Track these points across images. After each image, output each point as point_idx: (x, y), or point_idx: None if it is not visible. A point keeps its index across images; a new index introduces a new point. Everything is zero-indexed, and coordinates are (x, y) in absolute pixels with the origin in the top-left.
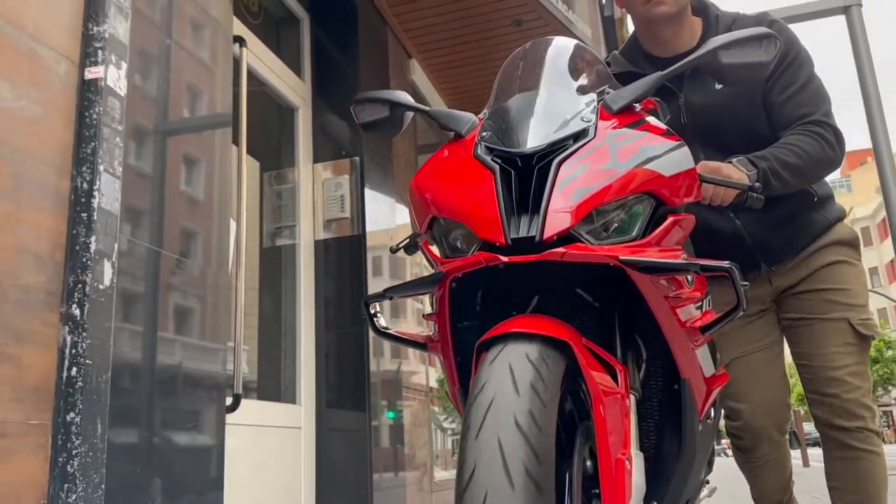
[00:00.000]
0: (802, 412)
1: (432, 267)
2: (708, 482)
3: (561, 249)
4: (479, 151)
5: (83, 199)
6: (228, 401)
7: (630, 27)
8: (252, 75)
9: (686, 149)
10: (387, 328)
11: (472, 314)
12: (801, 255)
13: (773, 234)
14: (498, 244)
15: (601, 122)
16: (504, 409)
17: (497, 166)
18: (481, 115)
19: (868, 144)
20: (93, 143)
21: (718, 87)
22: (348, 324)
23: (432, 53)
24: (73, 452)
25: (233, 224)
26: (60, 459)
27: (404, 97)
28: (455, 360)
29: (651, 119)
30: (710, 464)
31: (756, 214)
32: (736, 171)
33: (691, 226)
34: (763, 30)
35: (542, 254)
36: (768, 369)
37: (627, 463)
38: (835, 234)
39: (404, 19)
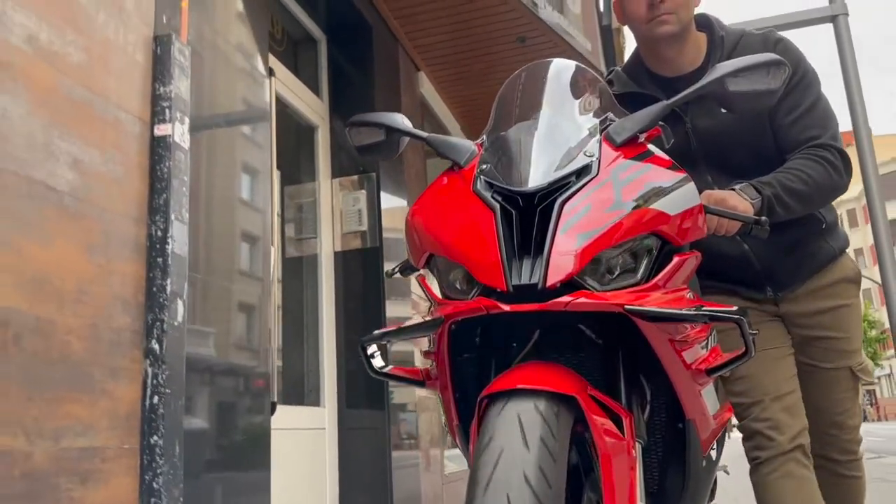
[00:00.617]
0: None
1: (430, 303)
2: None
3: (565, 299)
4: (478, 186)
5: (158, 246)
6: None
7: (627, 37)
8: (276, 98)
9: (692, 184)
10: (383, 368)
11: (472, 346)
12: (806, 283)
13: (780, 259)
14: (499, 290)
15: (605, 155)
16: (513, 465)
17: (498, 205)
18: (480, 141)
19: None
20: (164, 195)
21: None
22: (367, 330)
23: (439, 67)
24: (158, 471)
25: (272, 250)
26: (147, 478)
27: (400, 121)
28: (454, 397)
29: (656, 150)
30: (713, 492)
31: (765, 240)
32: (741, 201)
33: (697, 263)
34: (771, 56)
35: (546, 303)
36: (780, 367)
37: None
38: (841, 271)
39: (413, 36)
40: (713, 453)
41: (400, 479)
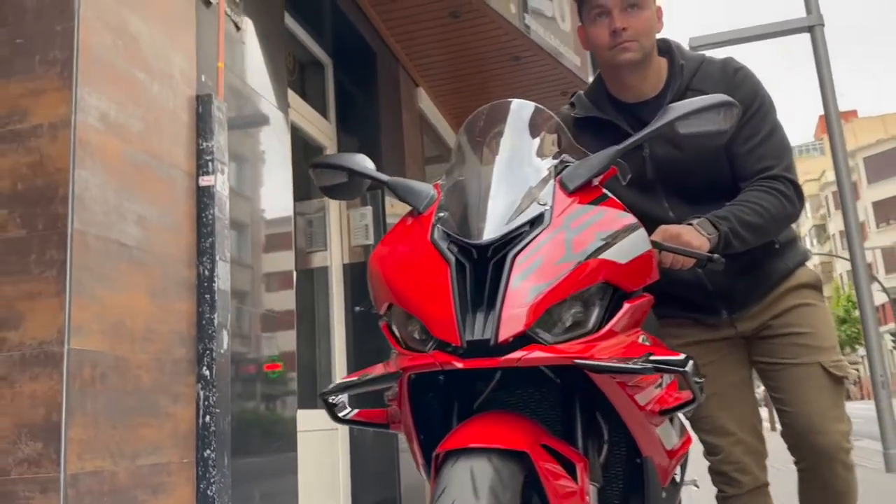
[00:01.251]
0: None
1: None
2: None
3: (517, 354)
4: (435, 236)
5: (206, 284)
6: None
7: None
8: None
9: (642, 230)
10: (346, 415)
11: (435, 387)
12: (762, 301)
13: (734, 282)
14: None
15: (558, 203)
16: None
17: (453, 258)
18: (440, 182)
19: (842, 107)
20: (210, 238)
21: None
22: (374, 337)
23: (437, 83)
24: (211, 480)
25: (294, 273)
26: (202, 486)
27: (363, 163)
28: (419, 439)
29: (609, 194)
30: None
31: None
32: (696, 237)
33: (650, 304)
34: (722, 98)
35: (498, 360)
36: (741, 404)
37: None
38: (796, 279)
39: (413, 56)
40: (676, 478)
41: (407, 472)
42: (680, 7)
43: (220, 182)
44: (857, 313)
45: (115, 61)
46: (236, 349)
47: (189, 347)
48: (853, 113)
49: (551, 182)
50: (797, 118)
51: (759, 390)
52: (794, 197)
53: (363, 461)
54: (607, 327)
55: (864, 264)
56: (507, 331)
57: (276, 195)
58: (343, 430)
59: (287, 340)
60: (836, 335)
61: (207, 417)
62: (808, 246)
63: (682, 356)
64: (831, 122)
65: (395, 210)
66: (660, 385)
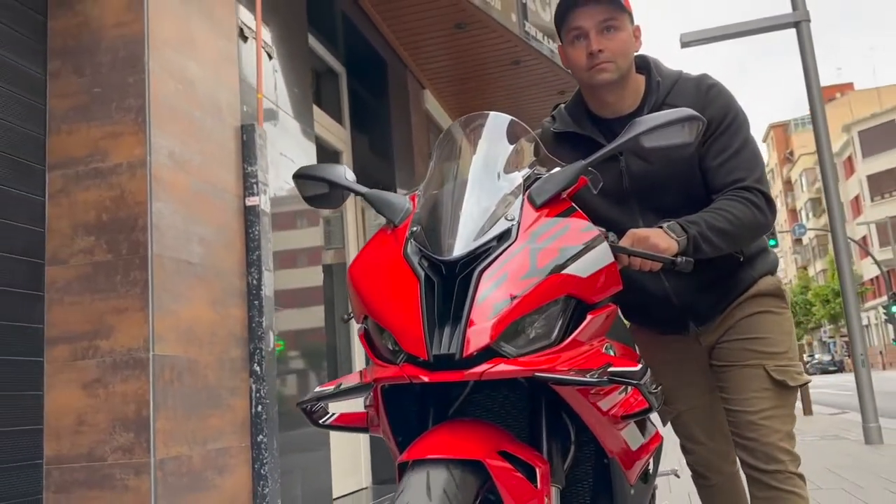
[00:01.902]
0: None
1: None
2: None
3: (481, 368)
4: (408, 251)
5: (254, 292)
6: None
7: None
8: None
9: (605, 244)
10: (326, 421)
11: (413, 391)
12: (725, 312)
13: (699, 296)
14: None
15: (525, 217)
16: None
17: (423, 273)
18: (416, 193)
19: (836, 80)
20: (257, 252)
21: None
22: None
23: (442, 85)
24: (264, 461)
25: (321, 278)
26: (256, 466)
27: (343, 175)
28: (396, 440)
29: (575, 208)
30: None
31: (684, 278)
32: (665, 239)
33: (614, 313)
34: (685, 112)
35: (463, 373)
36: (713, 417)
37: None
38: (758, 288)
39: (419, 61)
40: (649, 470)
41: None
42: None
43: (263, 201)
44: None
45: (178, 104)
46: (279, 346)
47: (242, 347)
48: (849, 86)
49: (520, 197)
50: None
51: None
52: (764, 207)
53: (381, 440)
54: (570, 339)
55: (846, 248)
56: (472, 345)
57: (305, 206)
58: None
59: (318, 335)
60: (794, 343)
61: (259, 407)
62: (804, 219)
63: (638, 367)
64: (817, 120)
65: None
66: (625, 391)
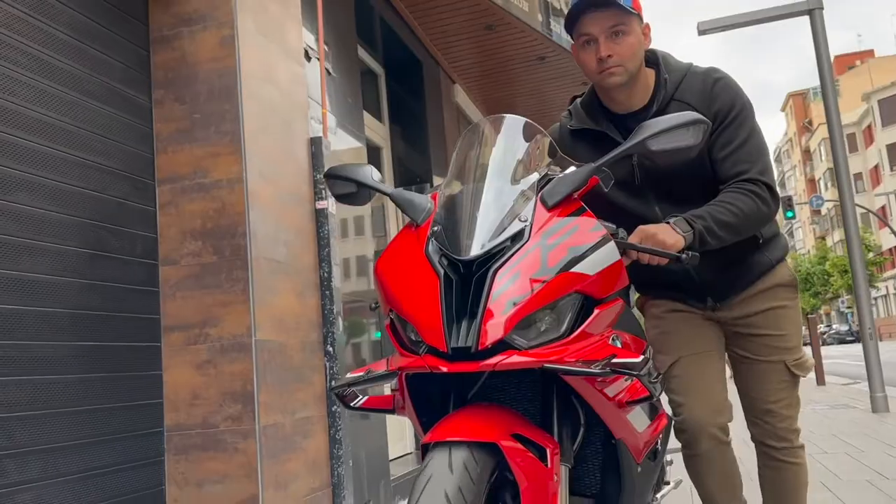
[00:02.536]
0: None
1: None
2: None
3: (495, 360)
4: (429, 249)
5: (325, 283)
6: None
7: None
8: None
9: (611, 243)
10: (357, 404)
11: (436, 378)
12: (744, 293)
13: (719, 275)
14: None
15: (538, 218)
16: (439, 487)
17: (442, 271)
18: (436, 192)
19: (856, 47)
20: (326, 249)
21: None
22: None
23: (472, 81)
24: (338, 428)
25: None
26: (332, 432)
27: (369, 176)
28: (421, 421)
29: (585, 208)
30: (660, 482)
31: (705, 257)
32: (672, 235)
33: (621, 308)
34: (691, 116)
35: (479, 364)
36: (710, 369)
37: None
38: (776, 278)
39: (450, 59)
40: (658, 449)
41: None
42: None
43: (331, 204)
44: (870, 255)
45: (265, 126)
46: (348, 329)
47: (318, 331)
48: (870, 53)
49: (533, 199)
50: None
51: None
52: (768, 198)
53: None
54: (578, 332)
55: (855, 225)
56: (487, 338)
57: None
58: None
59: (372, 319)
60: (801, 333)
61: (332, 382)
62: (823, 189)
63: (640, 359)
64: (829, 105)
65: None
66: (629, 378)
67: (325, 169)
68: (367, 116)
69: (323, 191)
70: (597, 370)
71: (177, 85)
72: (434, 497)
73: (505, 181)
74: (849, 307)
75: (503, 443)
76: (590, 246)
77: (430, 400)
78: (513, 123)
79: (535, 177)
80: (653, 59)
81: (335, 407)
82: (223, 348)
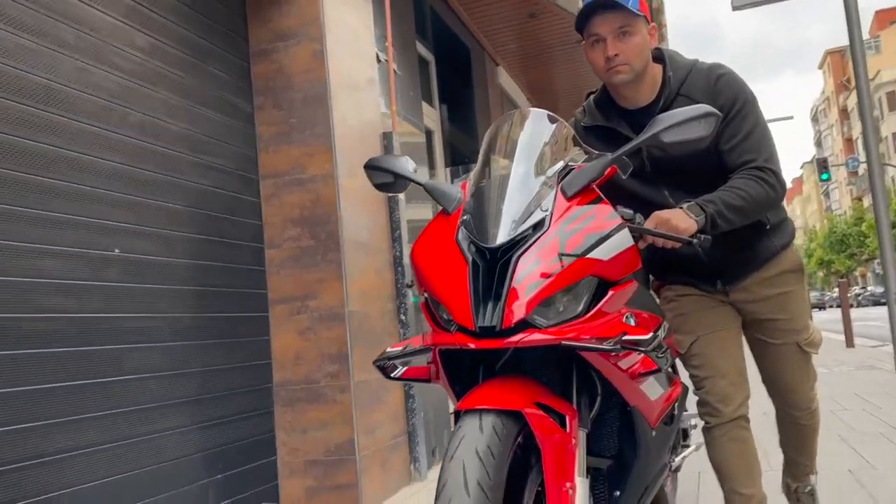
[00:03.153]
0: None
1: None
2: (672, 464)
3: (517, 338)
4: (459, 237)
5: (397, 261)
6: None
7: (666, 16)
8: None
9: (625, 231)
10: (396, 375)
11: (467, 352)
12: (752, 276)
13: (728, 258)
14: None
15: (558, 207)
16: (470, 447)
17: (471, 257)
18: (465, 180)
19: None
20: (397, 231)
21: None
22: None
23: (514, 63)
24: (410, 392)
25: None
26: (406, 388)
27: (405, 167)
28: (454, 391)
29: (602, 197)
30: (676, 447)
31: (715, 241)
32: (685, 220)
33: (633, 290)
34: (703, 109)
35: (503, 341)
36: (728, 346)
37: (570, 491)
38: (783, 264)
39: (496, 44)
40: (674, 414)
41: None
42: None
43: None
44: None
45: (349, 127)
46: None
47: (393, 303)
48: None
49: (553, 190)
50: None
51: None
52: (775, 184)
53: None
54: (593, 311)
55: (882, 188)
56: (511, 318)
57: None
58: None
59: None
60: (808, 311)
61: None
62: (859, 150)
63: (649, 335)
64: (860, 78)
65: None
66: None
67: None
68: (424, 104)
69: None
70: (608, 346)
71: (275, 92)
72: (467, 452)
73: (528, 172)
74: None
75: (526, 410)
76: (605, 233)
77: (463, 370)
78: (537, 117)
79: (556, 167)
80: (660, 57)
81: None
82: (321, 317)
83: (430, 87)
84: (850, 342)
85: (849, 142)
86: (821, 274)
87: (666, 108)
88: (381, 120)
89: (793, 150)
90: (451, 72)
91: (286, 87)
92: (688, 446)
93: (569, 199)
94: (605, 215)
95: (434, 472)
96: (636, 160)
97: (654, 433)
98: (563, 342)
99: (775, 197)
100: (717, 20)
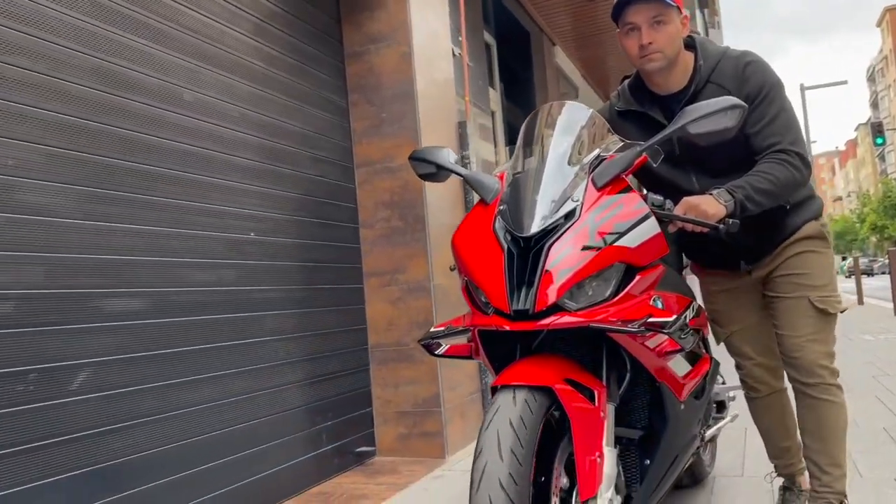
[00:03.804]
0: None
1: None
2: (705, 435)
3: (548, 320)
4: (496, 226)
5: None
6: None
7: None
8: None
9: (652, 219)
10: (440, 352)
11: (505, 332)
12: (772, 252)
13: (751, 238)
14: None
15: (588, 198)
16: (505, 418)
17: (506, 246)
18: (503, 171)
19: None
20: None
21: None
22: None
23: (570, 42)
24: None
25: None
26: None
27: (447, 159)
28: (493, 367)
29: (630, 187)
30: (707, 418)
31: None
32: (714, 206)
33: (660, 273)
34: (730, 101)
35: (535, 324)
36: (762, 335)
37: (599, 460)
38: (803, 232)
39: (553, 26)
40: (705, 388)
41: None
42: None
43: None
44: None
45: (432, 120)
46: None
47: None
48: None
49: (585, 180)
50: None
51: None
52: (800, 166)
53: None
54: (621, 294)
55: None
56: (542, 303)
57: (490, 167)
58: None
59: None
60: (834, 277)
61: None
62: None
63: (671, 318)
64: None
65: None
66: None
67: (469, 146)
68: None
69: (468, 164)
70: (633, 328)
71: (367, 90)
72: (502, 423)
73: (562, 163)
74: None
75: (556, 386)
76: (633, 222)
77: (500, 349)
78: (571, 109)
79: (589, 158)
80: (691, 44)
81: None
82: (409, 289)
83: (492, 70)
84: None
85: None
86: (874, 239)
87: (696, 95)
88: (456, 111)
89: (846, 112)
90: (510, 53)
91: (377, 85)
92: (723, 418)
93: (599, 189)
94: (633, 204)
95: None
96: (667, 145)
97: (682, 406)
98: (592, 324)
99: (801, 178)
100: None
